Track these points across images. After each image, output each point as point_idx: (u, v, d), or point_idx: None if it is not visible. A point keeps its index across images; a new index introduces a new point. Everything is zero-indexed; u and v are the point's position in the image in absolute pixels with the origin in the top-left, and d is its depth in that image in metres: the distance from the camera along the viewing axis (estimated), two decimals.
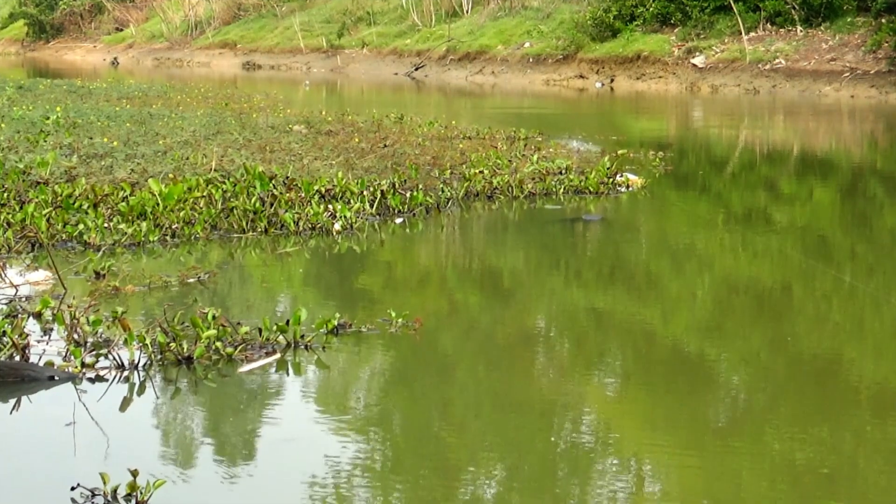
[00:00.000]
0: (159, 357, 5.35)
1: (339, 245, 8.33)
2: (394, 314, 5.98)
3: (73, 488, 3.84)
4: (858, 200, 11.56)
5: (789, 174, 13.60)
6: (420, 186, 10.02)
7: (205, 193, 8.96)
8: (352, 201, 9.32)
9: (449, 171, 11.24)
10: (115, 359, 5.28)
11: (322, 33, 40.29)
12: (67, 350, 5.36)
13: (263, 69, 40.28)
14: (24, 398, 4.95)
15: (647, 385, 5.41)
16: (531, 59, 31.31)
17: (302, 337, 5.65)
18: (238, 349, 5.47)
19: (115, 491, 3.83)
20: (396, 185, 9.77)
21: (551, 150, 13.38)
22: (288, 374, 5.36)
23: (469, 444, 4.59)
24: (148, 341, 5.36)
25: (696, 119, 21.75)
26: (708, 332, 6.21)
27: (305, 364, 5.46)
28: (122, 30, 53.71)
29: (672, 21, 28.83)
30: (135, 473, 3.79)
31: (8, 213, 8.19)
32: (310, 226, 8.63)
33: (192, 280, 6.99)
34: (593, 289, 7.40)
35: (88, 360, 5.27)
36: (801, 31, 26.35)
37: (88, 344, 5.46)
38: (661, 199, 10.77)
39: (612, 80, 28.63)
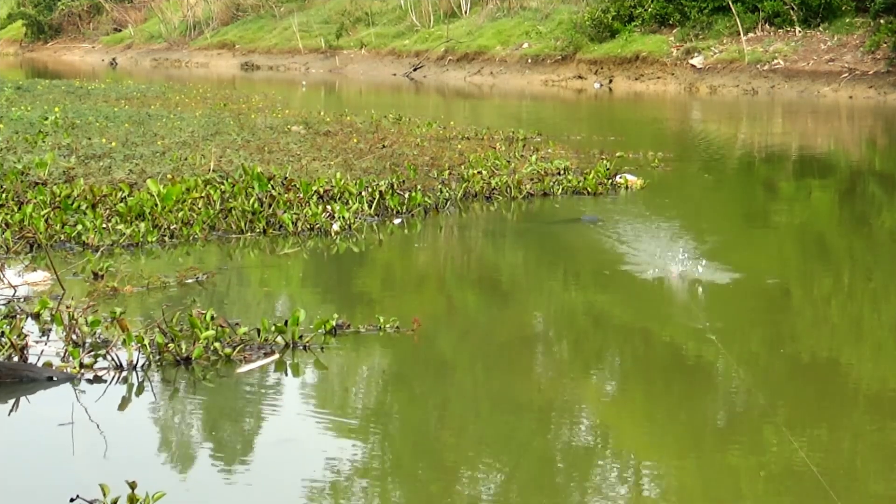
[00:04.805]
0: (158, 358, 5.35)
1: (337, 246, 8.33)
2: (382, 319, 5.95)
3: (72, 500, 3.76)
4: (857, 201, 11.56)
5: (788, 175, 13.60)
6: (418, 187, 10.02)
7: (203, 194, 8.96)
8: (350, 202, 9.32)
9: (447, 171, 11.24)
10: (113, 359, 5.27)
11: (320, 34, 40.28)
12: (66, 351, 5.36)
13: (262, 70, 40.27)
14: (22, 399, 4.94)
15: (645, 386, 5.41)
16: (530, 60, 31.31)
17: (300, 337, 5.65)
18: (236, 350, 5.47)
19: (114, 503, 3.79)
20: (395, 186, 9.77)
21: (550, 150, 13.39)
22: (286, 375, 5.36)
23: (467, 445, 4.59)
24: (146, 342, 5.36)
25: (695, 120, 21.76)
26: (706, 332, 6.21)
27: (304, 365, 5.46)
28: (120, 30, 53.68)
29: (670, 21, 28.84)
30: (133, 485, 3.72)
31: (6, 214, 8.19)
32: (308, 226, 8.63)
33: (190, 281, 6.99)
34: (591, 290, 7.40)
35: (87, 360, 5.27)
36: (799, 31, 26.36)
37: (87, 344, 5.46)
38: (660, 199, 10.77)
39: (610, 81, 28.63)
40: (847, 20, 25.85)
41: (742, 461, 4.38)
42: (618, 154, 13.23)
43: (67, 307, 5.80)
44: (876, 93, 23.37)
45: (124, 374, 5.21)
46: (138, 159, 11.14)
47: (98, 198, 8.76)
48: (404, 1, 38.32)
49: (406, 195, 9.64)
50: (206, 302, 6.45)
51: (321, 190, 9.46)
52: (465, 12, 36.32)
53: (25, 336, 5.46)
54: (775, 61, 25.90)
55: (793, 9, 26.44)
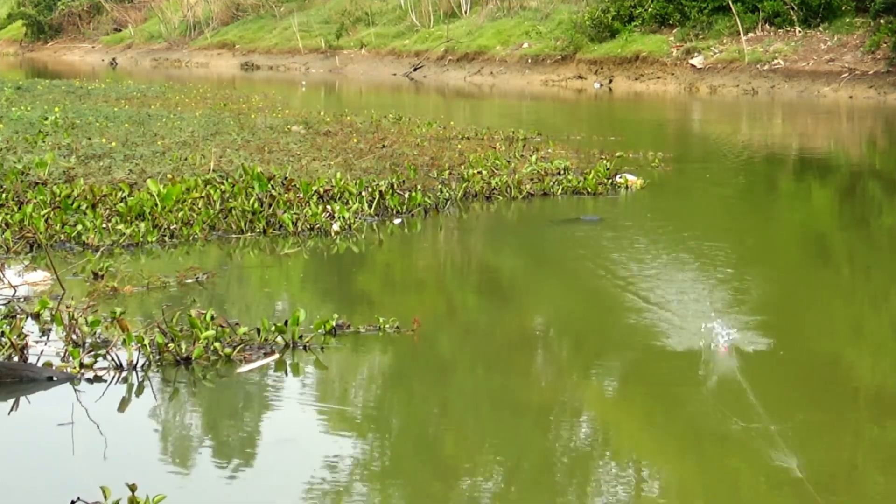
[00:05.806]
0: (158, 358, 5.35)
1: (337, 246, 8.33)
2: (382, 319, 5.95)
3: (73, 502, 3.73)
4: (857, 201, 11.57)
5: (788, 175, 13.60)
6: (418, 187, 10.02)
7: (203, 194, 8.96)
8: (350, 202, 9.32)
9: (447, 171, 11.24)
10: (113, 359, 5.27)
11: (320, 34, 40.29)
12: (66, 351, 5.36)
13: (262, 70, 40.28)
14: (22, 399, 4.94)
15: (644, 386, 5.41)
16: (530, 60, 31.31)
17: (300, 337, 5.65)
18: (237, 350, 5.47)
19: None
20: (395, 186, 9.77)
21: (550, 150, 13.38)
22: (286, 375, 5.36)
23: (467, 445, 4.59)
24: (146, 342, 5.36)
25: (695, 120, 21.76)
26: (706, 333, 6.21)
27: (304, 365, 5.46)
28: (120, 30, 53.68)
29: (670, 21, 28.84)
30: (133, 488, 3.71)
31: (6, 214, 8.19)
32: (308, 226, 8.63)
33: (190, 281, 6.99)
34: (591, 290, 7.39)
35: (87, 360, 5.27)
36: (799, 31, 26.36)
37: (87, 344, 5.46)
38: (661, 199, 10.77)
39: (610, 81, 28.63)
40: (847, 20, 25.85)
41: (742, 461, 4.38)
42: (618, 154, 13.23)
43: (67, 307, 5.80)
44: (876, 93, 23.36)
45: (124, 374, 5.21)
46: (138, 159, 11.14)
47: (98, 198, 8.76)
48: (404, 1, 38.32)
49: (406, 195, 9.64)
50: (206, 302, 6.45)
51: (321, 190, 9.46)
52: (465, 12, 36.32)
53: (25, 336, 5.46)
54: (775, 61, 25.90)
55: (793, 9, 26.44)
